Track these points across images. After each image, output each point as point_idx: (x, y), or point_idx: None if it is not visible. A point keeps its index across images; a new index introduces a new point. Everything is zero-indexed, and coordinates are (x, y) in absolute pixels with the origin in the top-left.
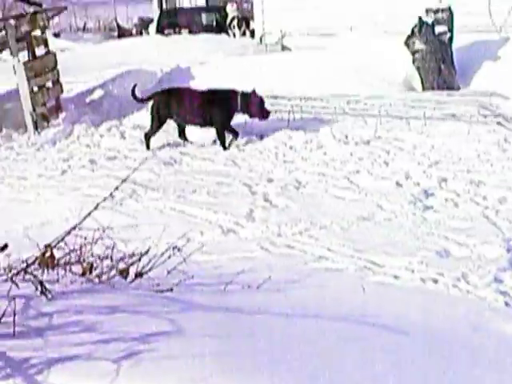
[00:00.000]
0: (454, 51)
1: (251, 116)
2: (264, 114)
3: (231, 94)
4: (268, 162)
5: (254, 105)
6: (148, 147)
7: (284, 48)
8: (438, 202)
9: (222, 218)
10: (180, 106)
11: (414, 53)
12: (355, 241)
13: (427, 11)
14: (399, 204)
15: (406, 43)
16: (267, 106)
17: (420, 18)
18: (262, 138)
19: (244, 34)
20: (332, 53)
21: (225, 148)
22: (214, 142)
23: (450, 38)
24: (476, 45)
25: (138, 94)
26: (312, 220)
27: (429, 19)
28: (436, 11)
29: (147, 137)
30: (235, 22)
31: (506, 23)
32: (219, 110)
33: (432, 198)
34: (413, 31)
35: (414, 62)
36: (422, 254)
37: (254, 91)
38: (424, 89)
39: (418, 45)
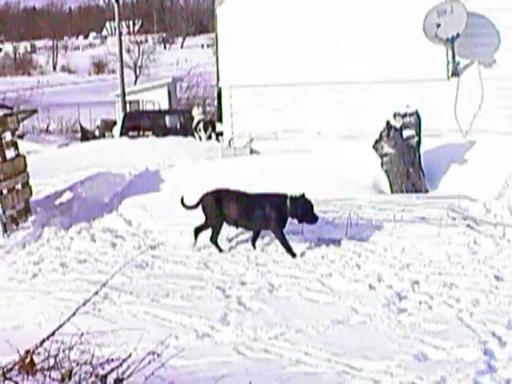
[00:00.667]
0: (421, 155)
1: (300, 221)
2: (314, 218)
3: (283, 198)
4: (240, 265)
5: (304, 209)
6: (195, 241)
7: (253, 151)
8: (412, 305)
9: (197, 322)
10: (230, 208)
11: (382, 156)
12: (332, 344)
13: (395, 115)
14: (373, 307)
15: (375, 147)
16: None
17: (388, 122)
18: (230, 241)
19: (210, 137)
20: (301, 156)
21: (293, 255)
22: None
23: (418, 142)
24: (443, 148)
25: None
26: (287, 323)
27: (397, 123)
28: (404, 115)
29: (196, 231)
30: (201, 125)
31: (472, 127)
32: (274, 214)
33: (405, 301)
34: (381, 135)
35: (382, 166)
36: (399, 358)
37: (303, 195)
38: (393, 192)
39: (387, 149)
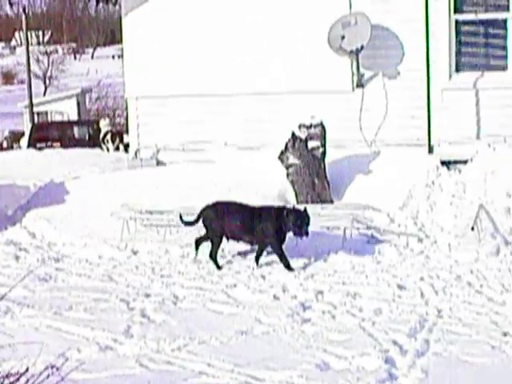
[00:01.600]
0: (326, 165)
1: (294, 234)
2: (306, 231)
3: (282, 211)
4: (145, 277)
5: (297, 222)
6: (196, 253)
7: (159, 163)
8: (316, 315)
9: (100, 335)
10: (229, 220)
11: (287, 167)
12: (235, 355)
13: (300, 126)
14: (277, 317)
15: (280, 158)
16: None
17: (293, 133)
18: (135, 253)
19: (118, 148)
20: (208, 167)
21: (290, 269)
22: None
23: (323, 153)
24: (348, 159)
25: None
26: (191, 335)
27: (302, 134)
28: (309, 126)
29: (197, 243)
30: (109, 137)
31: (377, 138)
32: (273, 228)
33: (309, 311)
34: (286, 146)
35: (287, 177)
36: (301, 368)
37: (297, 209)
38: (298, 202)
39: (292, 159)
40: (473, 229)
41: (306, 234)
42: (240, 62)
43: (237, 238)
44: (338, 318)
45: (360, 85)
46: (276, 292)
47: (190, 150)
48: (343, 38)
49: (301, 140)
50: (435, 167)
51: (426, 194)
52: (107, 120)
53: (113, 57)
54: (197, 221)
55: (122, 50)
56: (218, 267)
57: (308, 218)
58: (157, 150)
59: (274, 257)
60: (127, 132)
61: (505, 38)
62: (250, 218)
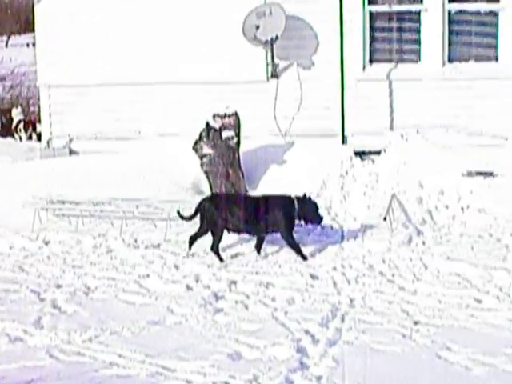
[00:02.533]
0: (241, 155)
1: (307, 222)
2: (320, 218)
3: (290, 199)
4: (57, 268)
5: (310, 210)
6: (189, 249)
7: (72, 152)
8: (228, 305)
9: (9, 326)
10: (231, 212)
11: (201, 157)
12: (146, 346)
13: (214, 116)
14: (190, 307)
15: (194, 148)
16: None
17: (207, 123)
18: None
19: (30, 137)
20: (121, 157)
21: (304, 257)
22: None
23: (237, 143)
24: (263, 149)
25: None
26: (102, 326)
27: (216, 124)
28: (223, 116)
29: (191, 240)
30: (21, 126)
31: (291, 128)
32: (283, 217)
33: (222, 301)
34: (200, 136)
35: (202, 166)
36: (213, 358)
37: (309, 197)
38: (212, 192)
39: (206, 149)
40: (385, 219)
41: (320, 220)
42: (154, 51)
43: (239, 230)
44: (250, 307)
45: (275, 75)
46: (189, 282)
47: (104, 139)
48: (258, 28)
49: (215, 130)
50: (349, 158)
51: (340, 184)
52: (19, 109)
53: (27, 45)
54: (195, 215)
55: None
56: (221, 260)
57: (317, 205)
58: (69, 140)
59: (186, 247)
60: (40, 121)
61: (418, 30)
62: (256, 208)
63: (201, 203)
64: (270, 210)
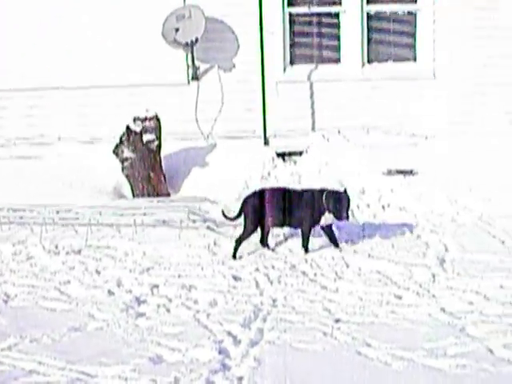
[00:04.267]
0: (162, 158)
1: (336, 218)
2: (347, 215)
3: (317, 192)
4: None
5: (335, 205)
6: (234, 253)
7: None
8: (151, 309)
9: None
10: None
11: (122, 161)
12: (67, 352)
13: (135, 120)
14: (111, 312)
15: (115, 152)
16: None
17: (128, 127)
18: None
19: None
20: (40, 162)
21: (307, 250)
22: None
23: (159, 146)
24: (184, 152)
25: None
26: (22, 334)
27: (136, 128)
28: (144, 119)
29: (238, 243)
30: None
31: (213, 130)
32: (310, 210)
33: (144, 305)
34: (121, 139)
35: (123, 170)
36: (134, 362)
37: (345, 190)
38: (134, 196)
39: (127, 153)
40: None
41: (347, 217)
42: (74, 55)
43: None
44: (172, 310)
45: (195, 77)
46: (111, 287)
47: (22, 144)
48: (177, 30)
49: (135, 133)
50: (271, 159)
51: (262, 185)
52: None
53: None
54: (239, 214)
55: None
56: (234, 255)
57: (349, 200)
58: None
59: (108, 252)
60: None
61: (338, 31)
62: (291, 201)
63: (244, 201)
64: (302, 203)
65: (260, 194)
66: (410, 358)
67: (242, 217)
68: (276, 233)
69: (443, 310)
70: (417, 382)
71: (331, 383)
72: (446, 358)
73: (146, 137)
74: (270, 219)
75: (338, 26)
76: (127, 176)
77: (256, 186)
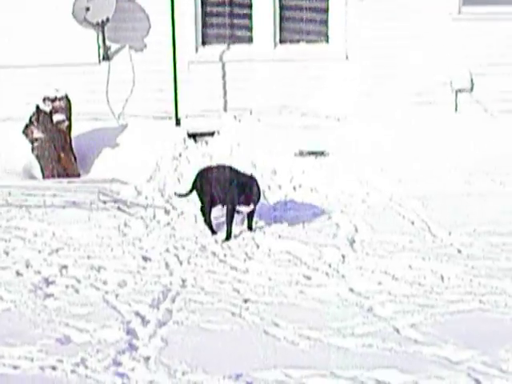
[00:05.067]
0: (73, 139)
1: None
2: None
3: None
4: None
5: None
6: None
7: None
8: (59, 290)
9: None
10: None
11: (32, 141)
12: None
13: (44, 100)
14: (19, 293)
15: (25, 132)
16: None
17: (37, 107)
18: None
19: None
20: None
21: (228, 238)
22: None
23: (69, 126)
24: (96, 132)
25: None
26: None
27: (46, 108)
28: (53, 100)
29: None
30: None
31: (124, 111)
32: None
33: (53, 286)
34: (31, 120)
35: (32, 151)
36: (41, 342)
37: (251, 176)
38: (44, 177)
39: (37, 133)
40: None
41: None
42: None
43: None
44: (81, 291)
45: (106, 57)
46: (19, 268)
47: None
48: (88, 9)
49: (45, 113)
50: (182, 140)
51: (174, 167)
52: None
53: None
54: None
55: None
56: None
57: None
58: None
59: (17, 232)
60: None
61: (250, 11)
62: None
63: (197, 176)
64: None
65: (209, 171)
66: (318, 337)
67: (195, 192)
68: (185, 215)
69: (352, 290)
70: (323, 361)
71: (239, 363)
72: (353, 337)
73: (56, 117)
74: (215, 196)
75: (250, 6)
76: (37, 156)
77: (167, 166)
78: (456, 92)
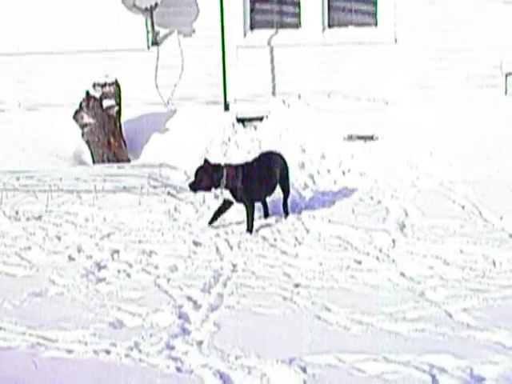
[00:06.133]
0: (122, 124)
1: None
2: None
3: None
4: None
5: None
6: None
7: None
8: (111, 274)
9: None
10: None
11: (82, 127)
12: (27, 317)
13: (94, 85)
14: (72, 278)
15: (75, 117)
16: None
17: (87, 92)
18: None
19: None
20: (1, 128)
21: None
22: None
23: (118, 112)
24: (144, 117)
25: None
26: None
27: (96, 93)
28: (103, 85)
29: None
30: None
31: (173, 96)
32: None
33: (104, 270)
34: (81, 105)
35: (83, 136)
36: (94, 327)
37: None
38: (94, 162)
39: (87, 119)
40: None
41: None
42: (33, 20)
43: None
44: (133, 276)
45: (155, 43)
46: (71, 253)
47: None
48: None
49: (95, 99)
50: (231, 124)
51: (223, 151)
52: None
53: None
54: None
55: None
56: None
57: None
58: None
59: (69, 217)
60: None
61: None
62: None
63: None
64: None
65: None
66: (369, 322)
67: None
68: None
69: (403, 274)
70: (376, 346)
71: (291, 347)
72: (405, 322)
73: (106, 102)
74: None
75: None
76: (87, 142)
77: (216, 151)
78: (506, 75)
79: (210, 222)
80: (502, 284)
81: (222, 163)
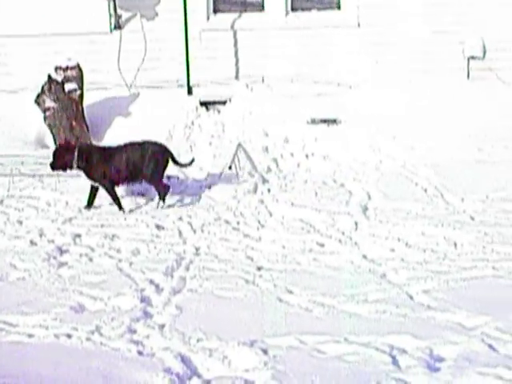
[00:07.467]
0: (85, 108)
1: None
2: None
3: None
4: None
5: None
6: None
7: None
8: (73, 258)
9: None
10: None
11: (44, 111)
12: None
13: (56, 69)
14: (33, 262)
15: (37, 101)
16: None
17: (49, 76)
18: None
19: None
20: None
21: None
22: None
23: (81, 95)
24: (107, 101)
25: None
26: None
27: (58, 77)
28: (65, 69)
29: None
30: None
31: (136, 80)
32: None
33: (66, 255)
34: (43, 89)
35: (45, 120)
36: (56, 311)
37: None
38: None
39: (49, 103)
40: (230, 168)
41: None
42: None
43: None
44: (95, 260)
45: (118, 26)
46: (33, 237)
47: None
48: None
49: (57, 83)
50: (194, 108)
51: (186, 135)
52: None
53: None
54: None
55: None
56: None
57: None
58: None
59: (31, 202)
60: None
61: None
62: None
63: None
64: None
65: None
66: (331, 304)
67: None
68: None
69: (365, 256)
70: (337, 328)
71: (253, 330)
72: (367, 303)
73: (68, 86)
74: None
75: None
76: (49, 125)
77: (179, 135)
78: (468, 59)
79: (87, 206)
80: (463, 266)
81: (79, 145)
